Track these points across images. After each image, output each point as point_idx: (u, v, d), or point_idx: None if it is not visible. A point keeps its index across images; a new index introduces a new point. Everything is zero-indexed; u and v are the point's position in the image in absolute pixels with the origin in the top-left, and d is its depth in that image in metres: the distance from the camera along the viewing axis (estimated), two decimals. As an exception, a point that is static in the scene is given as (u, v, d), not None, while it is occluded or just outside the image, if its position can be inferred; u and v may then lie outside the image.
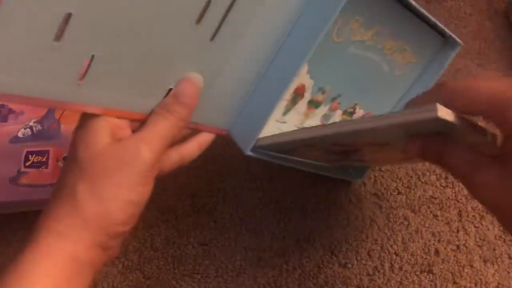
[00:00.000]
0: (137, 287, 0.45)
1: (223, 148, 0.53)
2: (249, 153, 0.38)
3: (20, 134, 0.47)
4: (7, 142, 0.47)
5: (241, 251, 0.46)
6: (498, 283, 0.46)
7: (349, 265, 0.46)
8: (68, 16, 0.26)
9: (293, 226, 0.48)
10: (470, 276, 0.46)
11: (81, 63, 0.29)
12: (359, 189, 0.51)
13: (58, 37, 0.27)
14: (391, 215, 0.49)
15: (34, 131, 0.48)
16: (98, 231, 0.30)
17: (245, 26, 0.35)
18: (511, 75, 0.62)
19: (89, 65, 0.29)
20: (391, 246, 0.47)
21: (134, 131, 0.34)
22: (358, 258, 0.46)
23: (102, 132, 0.31)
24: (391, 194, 0.51)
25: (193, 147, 0.38)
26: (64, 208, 0.30)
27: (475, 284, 0.46)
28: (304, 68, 0.40)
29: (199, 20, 0.32)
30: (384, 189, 0.51)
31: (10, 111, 0.48)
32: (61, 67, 0.28)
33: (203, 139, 0.38)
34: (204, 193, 0.50)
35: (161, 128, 0.33)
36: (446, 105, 0.27)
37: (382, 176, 0.52)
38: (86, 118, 0.32)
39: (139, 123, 0.34)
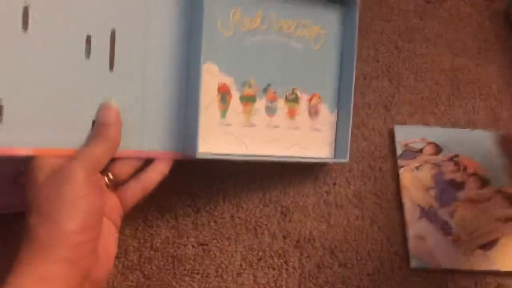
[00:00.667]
0: (137, 287, 0.45)
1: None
2: (199, 156, 0.39)
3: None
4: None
5: (241, 251, 0.46)
6: None
7: (349, 265, 0.46)
8: None
9: (293, 226, 0.48)
10: (470, 276, 0.46)
11: None
12: (359, 189, 0.51)
13: None
14: (391, 215, 0.49)
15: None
16: (55, 247, 0.32)
17: (138, 53, 0.38)
18: (511, 75, 0.62)
19: None
20: (391, 246, 0.47)
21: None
22: (358, 258, 0.46)
23: (40, 171, 0.34)
24: (390, 194, 0.51)
25: (152, 174, 0.39)
26: (24, 245, 0.32)
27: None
28: (214, 68, 0.42)
29: (87, 55, 0.36)
30: (384, 188, 0.51)
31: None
32: None
33: (160, 165, 0.40)
34: (204, 193, 0.50)
35: (91, 149, 0.35)
36: None
37: (383, 177, 0.52)
38: (28, 164, 0.34)
39: None
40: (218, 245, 0.46)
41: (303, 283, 0.45)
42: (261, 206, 0.49)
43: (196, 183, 0.50)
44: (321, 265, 0.46)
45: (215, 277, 0.45)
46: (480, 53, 0.65)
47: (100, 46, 0.37)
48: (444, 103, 0.59)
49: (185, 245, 0.47)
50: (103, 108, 0.37)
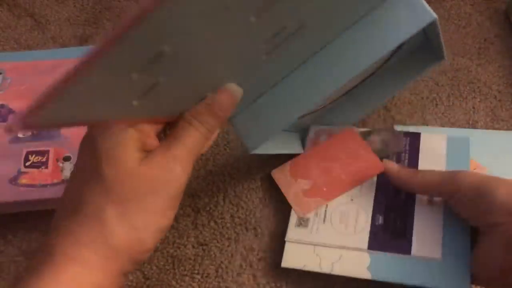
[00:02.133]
0: (137, 287, 0.45)
1: (224, 148, 0.53)
2: (253, 152, 0.39)
3: (20, 134, 0.47)
4: (7, 142, 0.47)
5: (241, 251, 0.46)
6: None
7: (349, 265, 0.46)
8: None
9: (293, 226, 0.48)
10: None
11: None
12: (359, 189, 0.51)
13: None
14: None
15: (34, 131, 0.48)
16: (126, 261, 0.28)
17: (302, 55, 0.35)
18: (511, 75, 0.62)
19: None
20: (391, 246, 0.47)
21: (158, 135, 0.31)
22: (358, 258, 0.46)
23: (132, 145, 0.28)
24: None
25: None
26: (90, 234, 0.27)
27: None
28: None
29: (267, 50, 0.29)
30: (384, 189, 0.51)
31: (10, 111, 0.48)
32: None
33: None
34: (204, 193, 0.50)
35: (192, 142, 0.30)
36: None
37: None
38: (107, 126, 0.28)
39: (164, 129, 0.31)
40: (218, 245, 0.46)
41: (303, 283, 0.44)
42: (261, 206, 0.49)
43: (196, 183, 0.50)
44: (321, 265, 0.46)
45: (215, 277, 0.45)
46: (480, 53, 0.64)
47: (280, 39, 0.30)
48: (444, 103, 0.59)
49: (185, 245, 0.47)
50: (224, 92, 0.30)
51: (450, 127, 0.56)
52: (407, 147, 0.47)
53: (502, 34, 0.67)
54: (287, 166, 0.48)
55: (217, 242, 0.47)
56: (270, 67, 0.33)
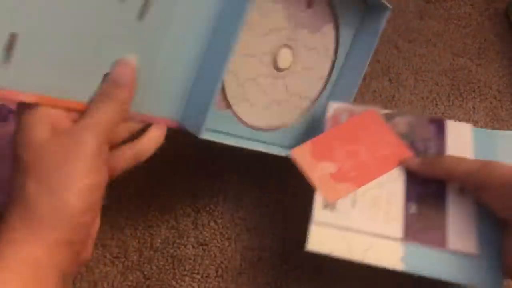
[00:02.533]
0: (137, 287, 0.45)
1: (224, 148, 0.53)
2: (204, 136, 0.36)
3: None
4: (7, 142, 0.47)
5: (241, 251, 0.46)
6: None
7: (349, 265, 0.46)
8: None
9: (293, 226, 0.48)
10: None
11: (2, 42, 0.28)
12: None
13: None
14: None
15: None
16: (57, 227, 0.28)
17: (172, 8, 0.35)
18: (511, 75, 0.62)
19: (11, 44, 0.28)
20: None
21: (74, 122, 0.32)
22: (358, 258, 0.46)
23: (40, 127, 0.30)
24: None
25: (148, 142, 0.36)
26: (15, 212, 0.28)
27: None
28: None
29: None
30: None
31: (10, 111, 0.48)
32: None
33: (156, 133, 0.36)
34: (204, 193, 0.50)
35: (103, 114, 0.31)
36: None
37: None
38: (21, 116, 0.30)
39: (78, 115, 0.32)
40: (218, 245, 0.46)
41: (303, 283, 0.45)
42: (261, 206, 0.49)
43: (196, 183, 0.50)
44: (321, 265, 0.46)
45: (215, 277, 0.45)
46: (480, 53, 0.65)
47: None
48: (444, 103, 0.59)
49: (185, 245, 0.47)
50: (119, 64, 0.32)
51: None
52: (432, 134, 0.45)
53: (502, 34, 0.67)
54: (307, 146, 0.44)
55: (217, 242, 0.47)
56: (145, 29, 0.34)
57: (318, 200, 0.41)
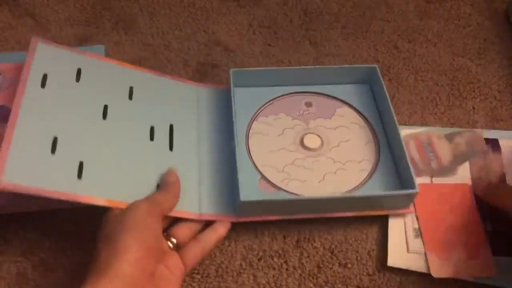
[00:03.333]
0: (137, 287, 0.45)
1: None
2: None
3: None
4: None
5: (241, 251, 0.46)
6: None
7: (349, 265, 0.46)
8: (55, 138, 0.41)
9: (293, 226, 0.48)
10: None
11: (75, 168, 0.41)
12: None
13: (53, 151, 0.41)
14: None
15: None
16: (117, 262, 0.35)
17: (192, 137, 0.50)
18: (511, 75, 0.62)
19: (80, 168, 0.41)
20: (391, 246, 0.47)
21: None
22: (358, 258, 0.46)
23: (110, 213, 0.40)
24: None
25: (211, 235, 0.44)
26: (90, 268, 0.36)
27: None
28: None
29: (151, 138, 0.47)
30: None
31: (10, 111, 0.48)
32: (60, 170, 0.40)
33: (220, 227, 0.44)
34: (204, 193, 0.50)
35: (154, 195, 0.42)
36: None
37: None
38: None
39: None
40: (218, 245, 0.46)
41: (303, 283, 0.45)
42: (261, 206, 0.49)
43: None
44: (321, 265, 0.46)
45: (215, 277, 0.45)
46: (480, 53, 0.65)
47: (162, 132, 0.48)
48: (444, 103, 0.59)
49: (185, 245, 0.47)
50: (167, 172, 0.45)
51: (450, 127, 0.56)
52: (489, 148, 0.51)
53: (502, 34, 0.67)
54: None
55: (217, 242, 0.47)
56: (177, 154, 0.48)
57: (409, 231, 0.47)
